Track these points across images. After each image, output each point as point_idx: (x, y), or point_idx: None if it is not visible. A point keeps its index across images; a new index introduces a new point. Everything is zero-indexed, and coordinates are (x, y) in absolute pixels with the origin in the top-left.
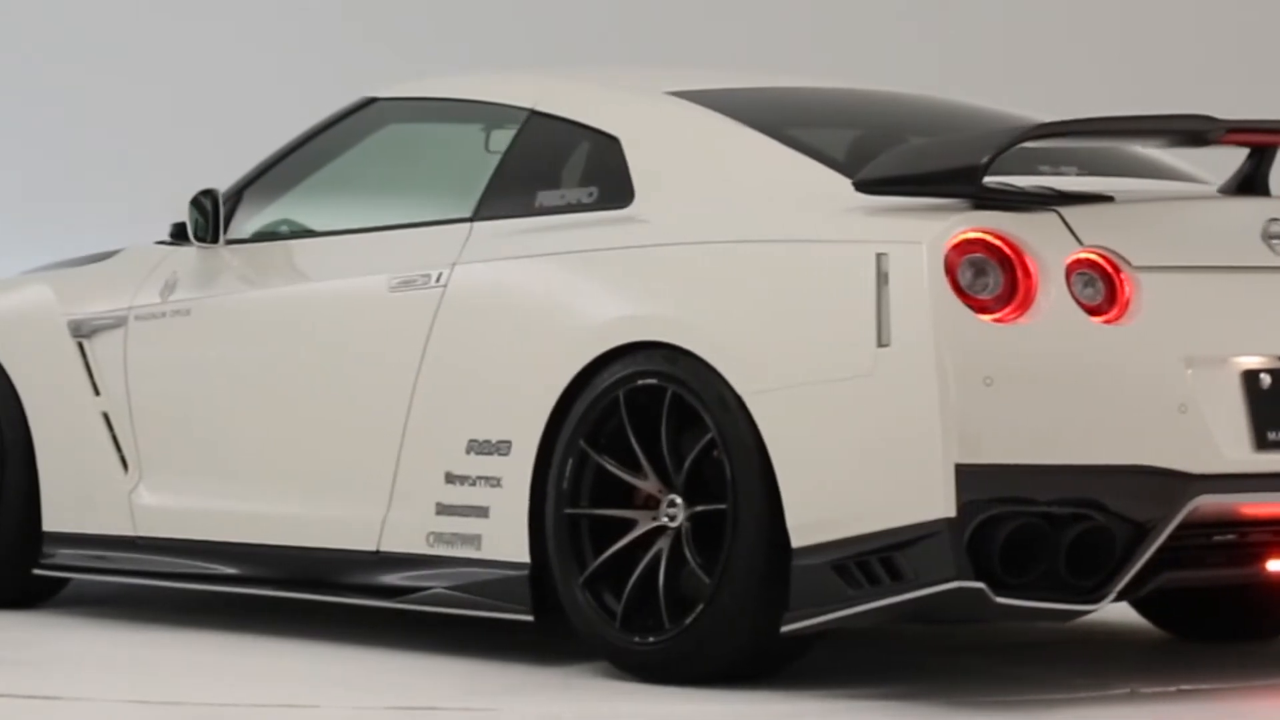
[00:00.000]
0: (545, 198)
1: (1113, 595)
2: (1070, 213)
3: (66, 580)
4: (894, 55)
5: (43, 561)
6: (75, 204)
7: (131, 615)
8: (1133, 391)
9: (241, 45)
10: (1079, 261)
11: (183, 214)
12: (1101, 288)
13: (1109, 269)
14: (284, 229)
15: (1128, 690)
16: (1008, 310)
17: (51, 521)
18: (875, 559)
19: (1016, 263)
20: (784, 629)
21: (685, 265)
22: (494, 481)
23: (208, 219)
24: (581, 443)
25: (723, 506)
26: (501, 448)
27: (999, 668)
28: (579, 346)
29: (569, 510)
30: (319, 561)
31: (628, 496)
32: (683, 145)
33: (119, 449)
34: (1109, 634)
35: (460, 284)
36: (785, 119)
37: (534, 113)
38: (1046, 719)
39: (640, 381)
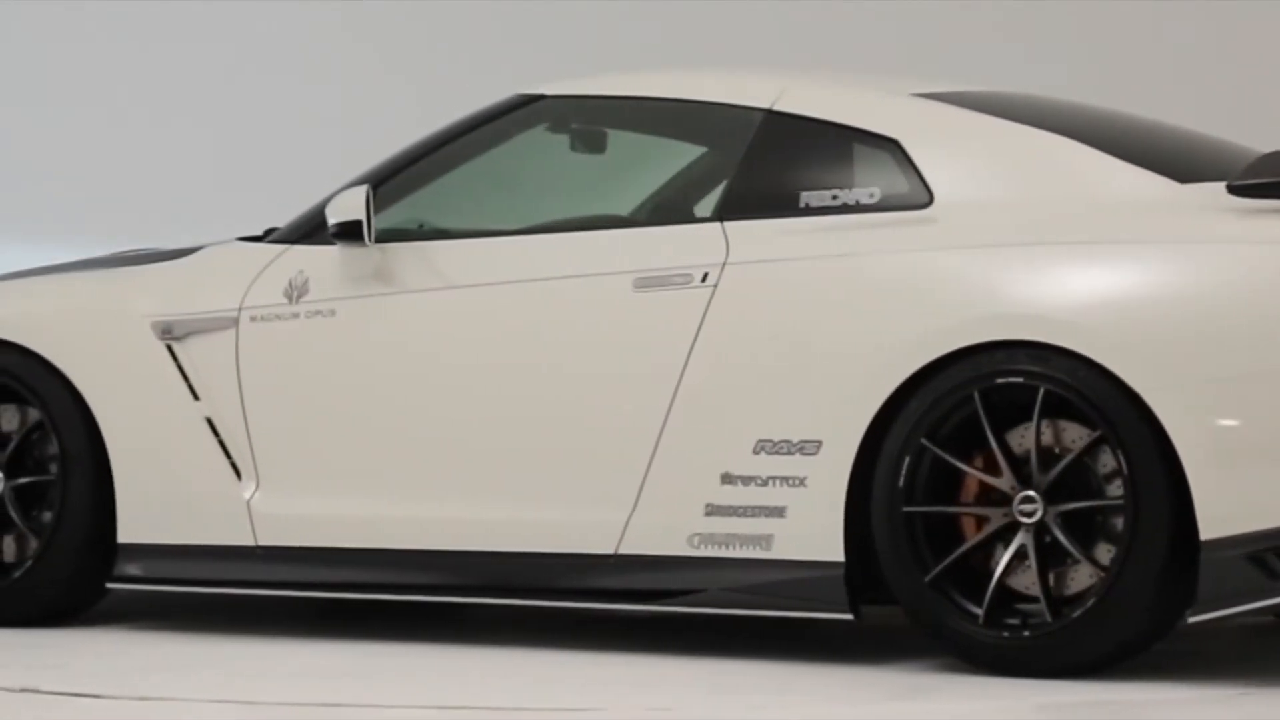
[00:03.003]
0: (811, 198)
1: None
2: None
3: (105, 592)
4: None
5: (117, 574)
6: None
7: (221, 625)
8: None
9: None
10: None
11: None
12: None
13: None
14: (418, 226)
15: None
16: None
17: (130, 533)
18: None
19: None
20: (1191, 619)
21: (1043, 265)
22: (795, 481)
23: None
24: (923, 440)
25: (1092, 503)
26: (806, 447)
27: None
28: (916, 345)
29: (907, 508)
30: (531, 567)
31: (955, 493)
32: (974, 147)
33: (228, 455)
34: None
35: (737, 284)
36: (1061, 125)
37: (772, 112)
38: None
39: (1000, 380)
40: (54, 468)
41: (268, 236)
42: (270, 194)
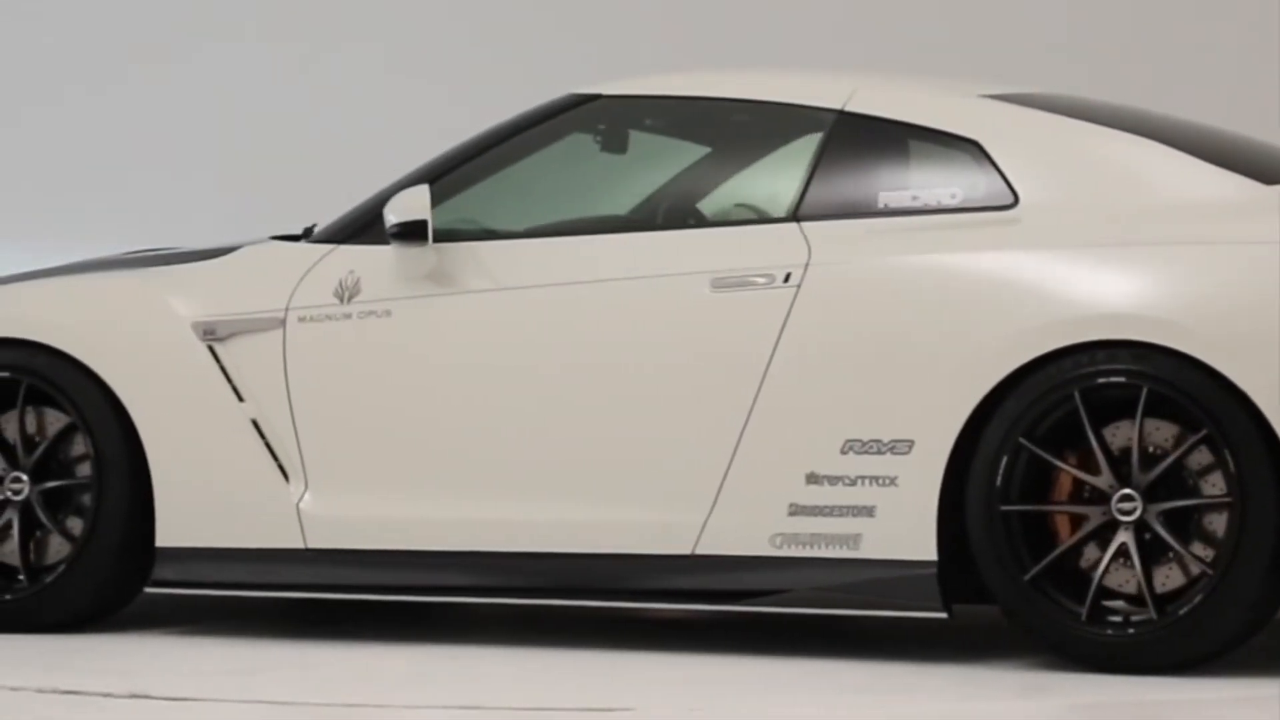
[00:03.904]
0: (890, 198)
1: None
2: None
3: (134, 596)
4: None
5: (156, 578)
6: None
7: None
8: None
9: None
10: None
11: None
12: None
13: None
14: (467, 226)
15: None
16: None
17: (170, 536)
18: None
19: None
20: None
21: (1140, 265)
22: (885, 480)
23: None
24: (1021, 440)
25: (1196, 501)
26: (897, 446)
27: None
28: (1013, 345)
29: (1005, 507)
30: (600, 567)
31: (1047, 491)
32: (1056, 148)
33: (275, 457)
34: None
35: (822, 284)
36: (1135, 127)
37: (844, 113)
38: None
39: (1101, 380)
40: (79, 470)
41: (308, 236)
42: (246, 196)
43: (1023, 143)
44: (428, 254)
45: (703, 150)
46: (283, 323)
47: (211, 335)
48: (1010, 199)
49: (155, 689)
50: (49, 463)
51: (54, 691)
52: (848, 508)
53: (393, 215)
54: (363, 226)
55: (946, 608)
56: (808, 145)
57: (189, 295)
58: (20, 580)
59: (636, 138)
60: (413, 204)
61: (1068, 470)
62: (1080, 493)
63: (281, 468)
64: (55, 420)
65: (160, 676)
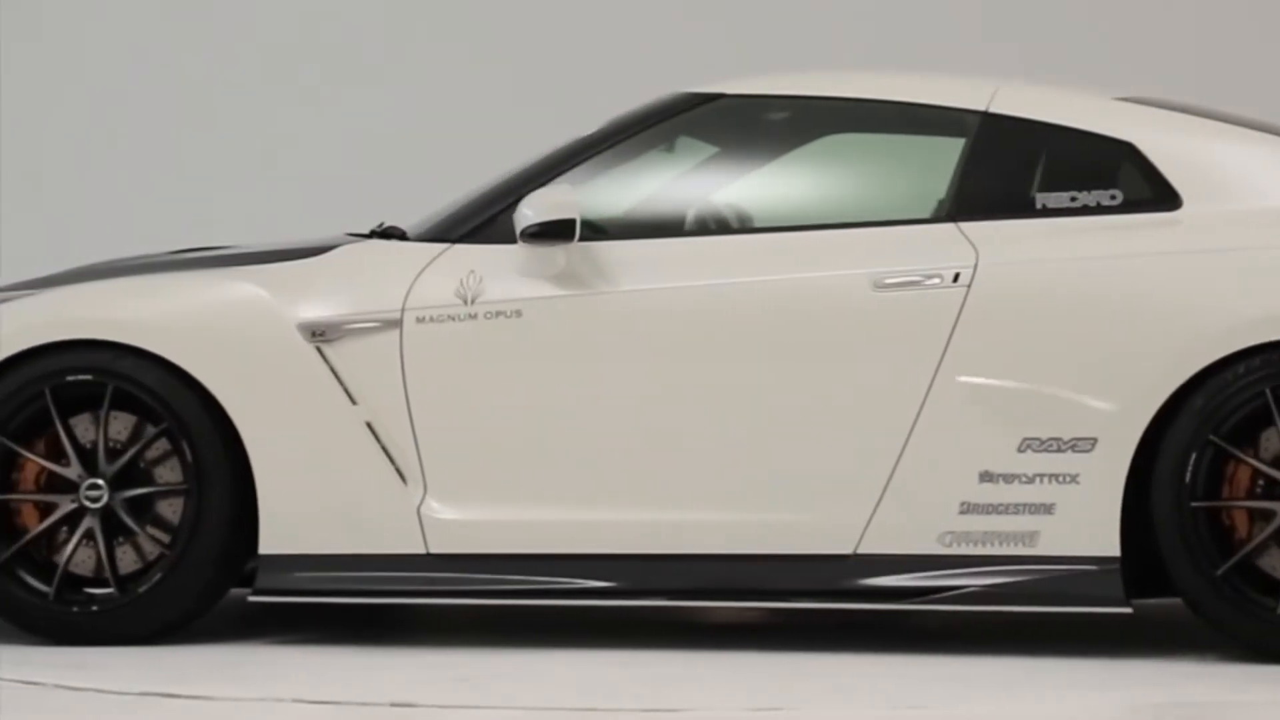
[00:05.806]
0: (1048, 199)
1: None
2: None
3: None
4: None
5: (260, 586)
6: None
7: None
8: None
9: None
10: None
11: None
12: None
13: None
14: (589, 225)
15: None
16: None
17: (275, 544)
18: None
19: None
20: None
21: None
22: (1065, 478)
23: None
24: (1211, 436)
25: None
26: (1080, 445)
27: None
28: (1202, 342)
29: (1195, 503)
30: (754, 569)
31: (1219, 486)
32: (1210, 149)
33: (391, 460)
34: None
35: (994, 284)
36: (1269, 128)
37: (989, 114)
38: None
39: None
40: (157, 474)
41: (396, 235)
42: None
43: (1177, 145)
44: (557, 253)
45: (829, 150)
46: (398, 323)
47: (320, 336)
48: (1173, 200)
49: (417, 697)
50: (129, 469)
51: (308, 702)
52: (1025, 505)
53: (533, 213)
54: (478, 225)
55: (1128, 603)
56: (952, 146)
57: (290, 295)
58: (102, 590)
59: (759, 135)
60: (558, 202)
61: (1253, 464)
62: (1254, 488)
63: (399, 471)
64: (126, 424)
65: (394, 685)
